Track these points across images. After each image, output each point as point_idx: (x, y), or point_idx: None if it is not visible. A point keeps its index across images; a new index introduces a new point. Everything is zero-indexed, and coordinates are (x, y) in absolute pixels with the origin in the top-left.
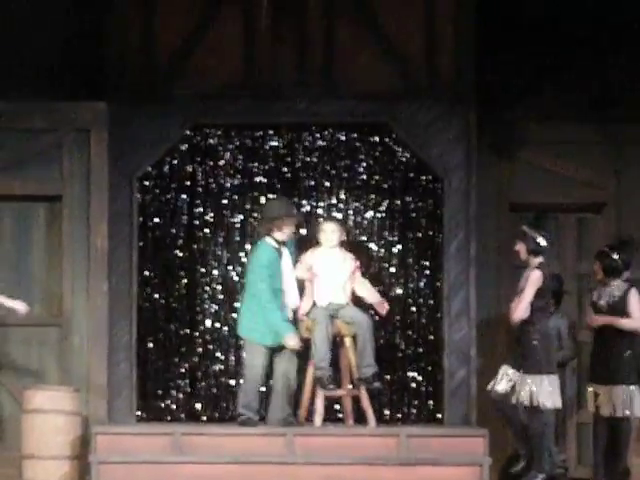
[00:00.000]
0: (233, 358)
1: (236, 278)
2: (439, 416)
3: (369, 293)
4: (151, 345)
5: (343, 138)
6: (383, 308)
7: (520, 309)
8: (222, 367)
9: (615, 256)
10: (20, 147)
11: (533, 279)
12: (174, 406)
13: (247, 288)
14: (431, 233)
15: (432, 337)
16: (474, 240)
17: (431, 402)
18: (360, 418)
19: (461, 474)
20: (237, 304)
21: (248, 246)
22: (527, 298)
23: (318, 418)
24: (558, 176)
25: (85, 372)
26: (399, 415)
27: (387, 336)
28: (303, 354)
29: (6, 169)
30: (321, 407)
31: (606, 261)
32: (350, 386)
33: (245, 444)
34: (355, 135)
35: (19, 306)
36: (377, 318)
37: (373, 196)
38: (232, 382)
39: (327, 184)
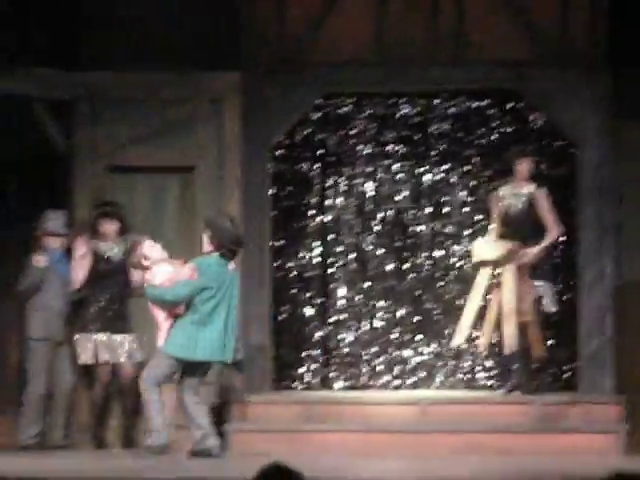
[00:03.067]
0: (367, 327)
1: (369, 247)
2: (574, 384)
3: None
4: (285, 314)
5: (475, 105)
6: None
7: None
8: (355, 336)
9: None
10: (154, 118)
11: None
12: (308, 375)
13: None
14: (565, 200)
15: (567, 304)
16: (609, 207)
17: (566, 369)
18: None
19: (597, 442)
20: (370, 272)
21: (380, 214)
22: None
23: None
24: None
25: None
26: (534, 382)
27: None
28: None
29: (140, 141)
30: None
31: None
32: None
33: (378, 413)
34: (487, 102)
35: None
36: None
37: (506, 162)
38: (365, 351)
39: (459, 151)
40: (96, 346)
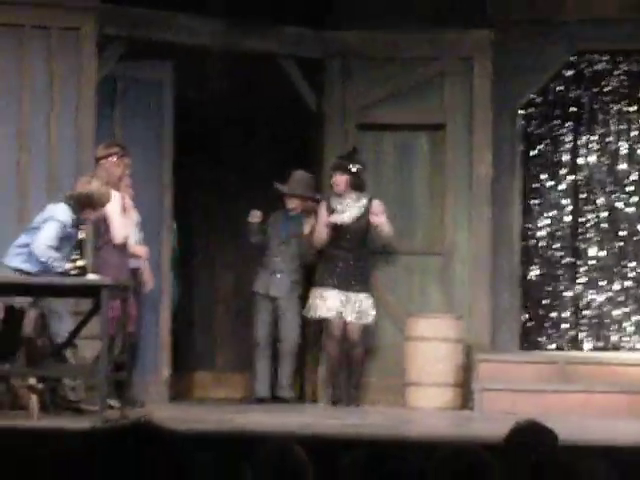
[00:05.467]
0: (618, 287)
1: (621, 206)
2: None
3: None
4: (534, 274)
5: None
6: None
7: None
8: (606, 296)
9: None
10: (404, 77)
11: None
12: (557, 335)
13: None
14: None
15: None
16: None
17: None
18: None
19: None
20: (622, 232)
21: (634, 173)
22: None
23: None
24: None
25: (468, 300)
26: None
27: None
28: None
29: (390, 99)
30: None
31: None
32: None
33: (627, 373)
34: None
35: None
36: None
37: None
38: (616, 312)
39: None
40: (330, 302)
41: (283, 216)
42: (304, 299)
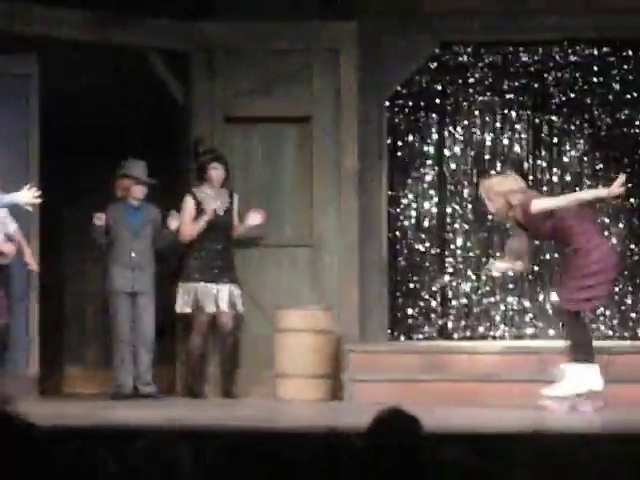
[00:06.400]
0: (484, 277)
1: None
2: None
3: None
4: (402, 264)
5: (595, 53)
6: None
7: None
8: (473, 286)
9: None
10: (269, 68)
11: None
12: (425, 325)
13: None
14: None
15: None
16: None
17: None
18: None
19: None
20: (488, 223)
21: (498, 164)
22: None
23: None
24: None
25: (337, 291)
26: None
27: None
28: None
29: (256, 91)
30: None
31: None
32: None
33: (496, 362)
34: (608, 50)
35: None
36: None
37: (627, 111)
38: (484, 300)
39: (578, 100)
40: (197, 296)
41: (128, 207)
42: (172, 293)
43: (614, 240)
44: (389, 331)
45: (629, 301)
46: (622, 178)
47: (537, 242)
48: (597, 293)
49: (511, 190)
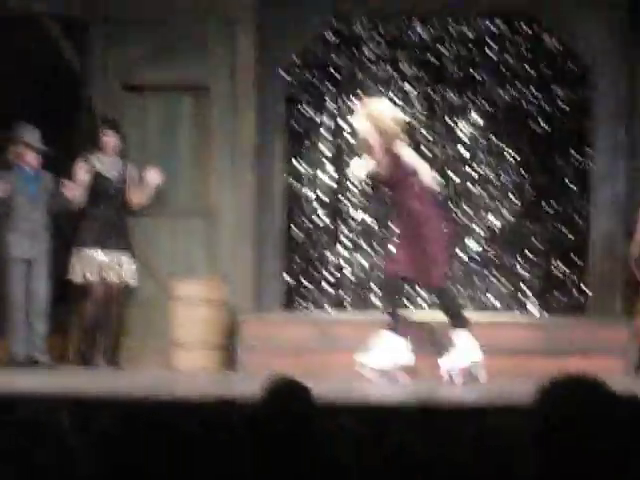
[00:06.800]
0: (379, 249)
1: None
2: (584, 307)
3: None
4: (298, 235)
5: (491, 28)
6: None
7: None
8: (368, 259)
9: None
10: (166, 37)
11: None
12: (320, 296)
13: None
14: (580, 122)
15: (579, 228)
16: (624, 130)
17: (577, 292)
18: None
19: (606, 364)
20: (384, 196)
21: None
22: None
23: None
24: None
25: (231, 262)
26: (544, 305)
27: (534, 226)
28: None
29: (154, 60)
30: None
31: None
32: None
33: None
34: (503, 24)
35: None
36: None
37: (521, 86)
38: (379, 272)
39: (474, 73)
40: (91, 263)
41: (25, 176)
42: (65, 260)
43: (509, 216)
44: (283, 302)
45: (516, 274)
46: None
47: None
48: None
49: (389, 129)
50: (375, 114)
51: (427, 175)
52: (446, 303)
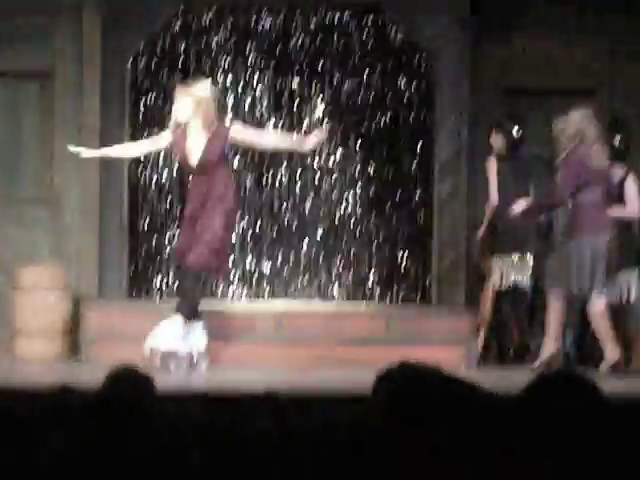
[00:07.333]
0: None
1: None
2: (427, 297)
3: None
4: (143, 223)
5: (337, 18)
6: None
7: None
8: None
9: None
10: (11, 22)
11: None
12: (164, 284)
13: None
14: (423, 114)
15: (422, 219)
16: (465, 125)
17: (420, 283)
18: None
19: (448, 354)
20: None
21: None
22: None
23: None
24: (554, 60)
25: (76, 249)
26: (388, 295)
27: (378, 217)
28: None
29: None
30: None
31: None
32: None
33: (232, 323)
34: (348, 15)
35: None
36: None
37: (367, 77)
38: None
39: (321, 64)
40: None
41: None
42: None
43: (354, 207)
44: (128, 290)
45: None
46: (320, 134)
47: None
48: None
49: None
50: (198, 96)
51: None
52: (186, 287)
